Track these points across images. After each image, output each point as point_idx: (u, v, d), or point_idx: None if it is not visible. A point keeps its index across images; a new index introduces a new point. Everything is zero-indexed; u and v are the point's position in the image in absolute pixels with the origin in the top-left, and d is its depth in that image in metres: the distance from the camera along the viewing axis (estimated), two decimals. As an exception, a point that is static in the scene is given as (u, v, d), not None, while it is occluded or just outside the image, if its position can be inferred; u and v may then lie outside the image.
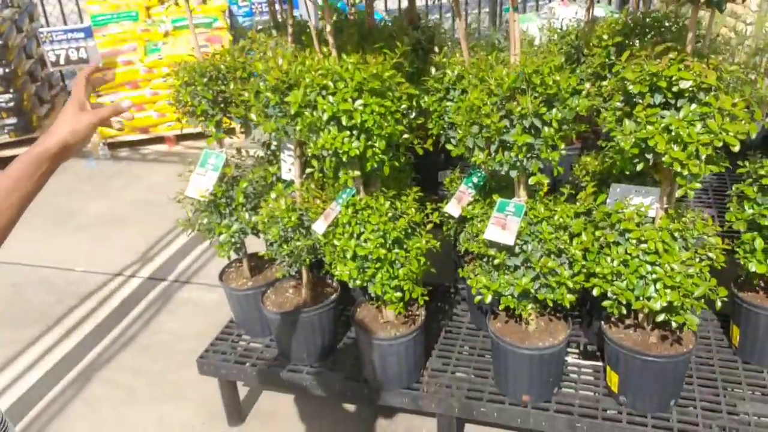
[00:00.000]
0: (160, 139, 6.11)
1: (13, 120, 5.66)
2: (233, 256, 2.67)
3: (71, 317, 3.60)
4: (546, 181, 1.89)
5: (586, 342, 2.54)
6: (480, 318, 2.62)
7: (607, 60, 2.41)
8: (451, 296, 2.90)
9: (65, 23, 6.74)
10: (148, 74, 5.82)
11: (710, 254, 1.92)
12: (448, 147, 2.24)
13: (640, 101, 1.71)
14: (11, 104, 5.60)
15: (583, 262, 2.01)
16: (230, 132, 2.49)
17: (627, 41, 2.44)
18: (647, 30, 2.47)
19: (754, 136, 1.65)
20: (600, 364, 2.39)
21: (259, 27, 2.83)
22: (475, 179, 2.35)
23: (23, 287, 3.94)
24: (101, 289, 3.87)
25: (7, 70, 5.55)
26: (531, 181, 1.89)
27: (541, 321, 2.26)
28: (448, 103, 2.21)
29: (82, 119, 1.11)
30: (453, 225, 2.46)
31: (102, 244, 4.42)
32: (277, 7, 3.27)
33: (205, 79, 2.28)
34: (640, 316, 2.13)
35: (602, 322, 2.20)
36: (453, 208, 2.34)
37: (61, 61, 5.18)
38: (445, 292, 2.94)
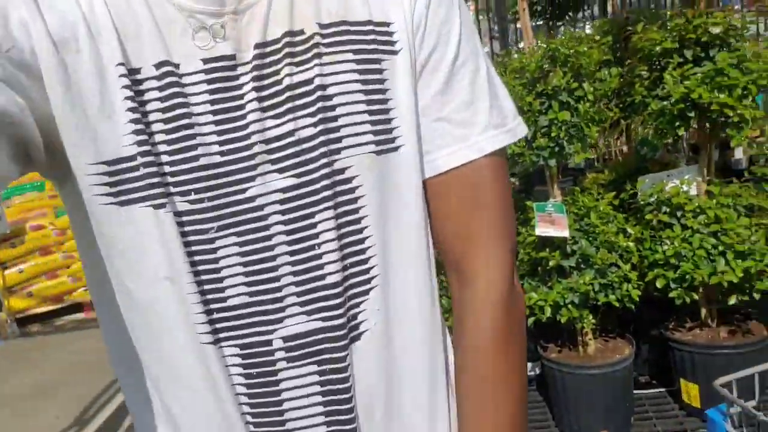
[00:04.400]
0: (76, 307, 5.48)
1: None
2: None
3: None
4: (591, 157, 1.77)
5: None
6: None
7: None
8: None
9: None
10: (61, 236, 5.36)
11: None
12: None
13: (670, 60, 1.70)
14: None
15: (639, 252, 1.86)
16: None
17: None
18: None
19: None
20: (662, 390, 2.14)
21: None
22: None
23: None
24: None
25: None
26: (577, 159, 1.77)
27: (598, 343, 2.02)
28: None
29: None
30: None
31: (27, 418, 3.68)
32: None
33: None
34: (703, 313, 1.96)
35: (662, 332, 2.00)
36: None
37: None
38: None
